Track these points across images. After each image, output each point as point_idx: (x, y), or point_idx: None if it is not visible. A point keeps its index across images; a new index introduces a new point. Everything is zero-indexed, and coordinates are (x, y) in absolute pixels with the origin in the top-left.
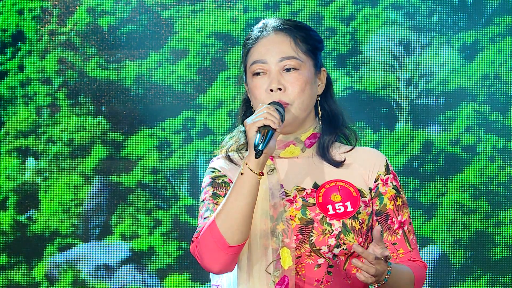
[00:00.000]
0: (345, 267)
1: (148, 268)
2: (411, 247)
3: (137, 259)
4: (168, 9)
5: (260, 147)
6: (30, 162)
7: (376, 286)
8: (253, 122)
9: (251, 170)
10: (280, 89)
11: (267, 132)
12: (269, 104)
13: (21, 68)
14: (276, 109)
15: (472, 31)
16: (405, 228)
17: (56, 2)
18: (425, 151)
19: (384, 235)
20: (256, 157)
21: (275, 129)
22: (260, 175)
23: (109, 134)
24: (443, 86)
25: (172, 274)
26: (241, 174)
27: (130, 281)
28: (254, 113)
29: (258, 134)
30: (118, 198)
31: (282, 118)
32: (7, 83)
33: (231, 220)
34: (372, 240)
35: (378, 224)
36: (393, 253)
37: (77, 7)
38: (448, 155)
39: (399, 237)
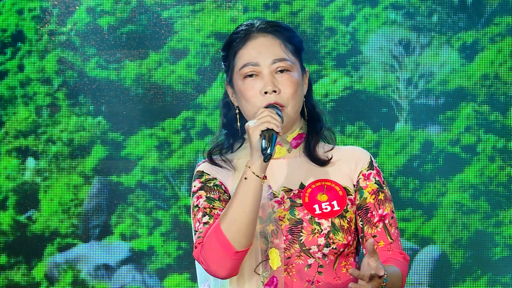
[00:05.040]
0: (335, 267)
1: (148, 268)
2: (391, 239)
3: (137, 259)
4: (167, 9)
5: (269, 151)
6: (30, 162)
7: None
8: (255, 125)
9: (254, 174)
10: (275, 91)
11: (271, 135)
12: (266, 107)
13: (21, 68)
14: (276, 112)
15: (471, 31)
16: (386, 221)
17: (55, 2)
18: (425, 151)
19: (365, 228)
20: (265, 161)
21: (278, 133)
22: (263, 178)
23: (109, 134)
24: (442, 86)
25: (172, 274)
26: (245, 178)
27: (130, 281)
28: (256, 117)
29: (264, 138)
30: (118, 198)
31: (282, 121)
32: (7, 83)
33: (237, 226)
34: (363, 240)
35: (361, 221)
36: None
37: (76, 7)
38: (448, 155)
39: (379, 229)
